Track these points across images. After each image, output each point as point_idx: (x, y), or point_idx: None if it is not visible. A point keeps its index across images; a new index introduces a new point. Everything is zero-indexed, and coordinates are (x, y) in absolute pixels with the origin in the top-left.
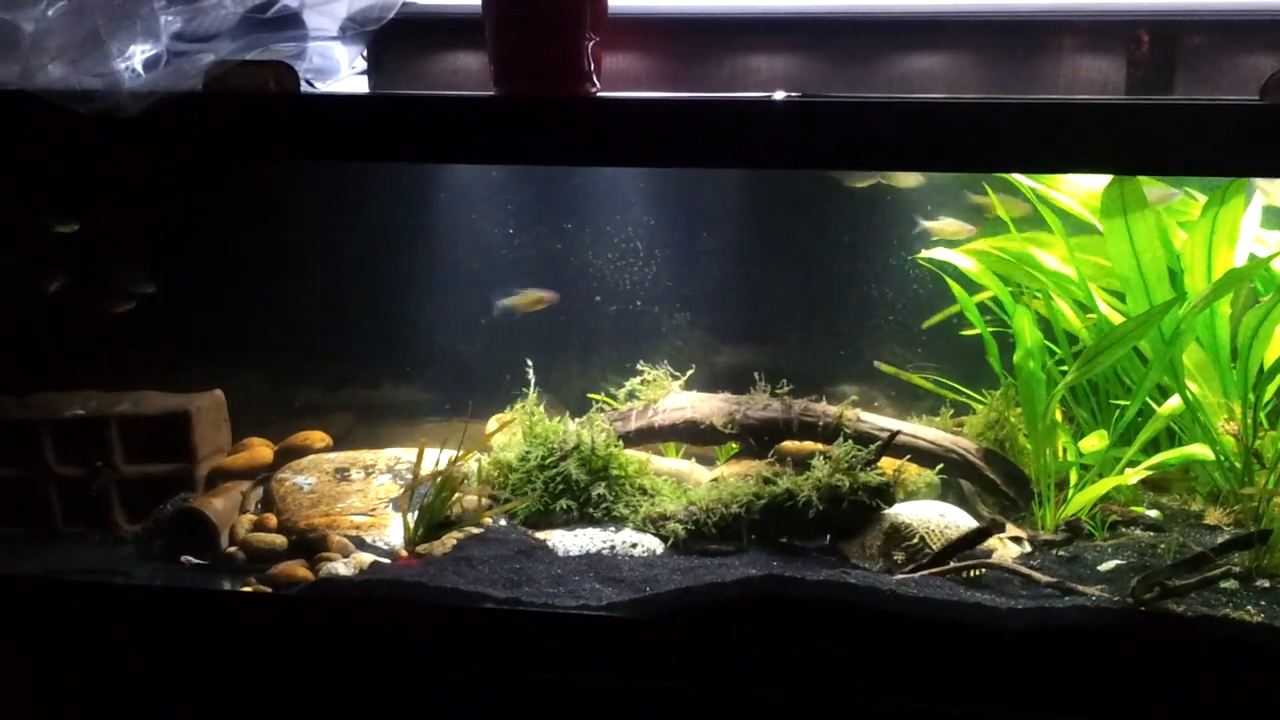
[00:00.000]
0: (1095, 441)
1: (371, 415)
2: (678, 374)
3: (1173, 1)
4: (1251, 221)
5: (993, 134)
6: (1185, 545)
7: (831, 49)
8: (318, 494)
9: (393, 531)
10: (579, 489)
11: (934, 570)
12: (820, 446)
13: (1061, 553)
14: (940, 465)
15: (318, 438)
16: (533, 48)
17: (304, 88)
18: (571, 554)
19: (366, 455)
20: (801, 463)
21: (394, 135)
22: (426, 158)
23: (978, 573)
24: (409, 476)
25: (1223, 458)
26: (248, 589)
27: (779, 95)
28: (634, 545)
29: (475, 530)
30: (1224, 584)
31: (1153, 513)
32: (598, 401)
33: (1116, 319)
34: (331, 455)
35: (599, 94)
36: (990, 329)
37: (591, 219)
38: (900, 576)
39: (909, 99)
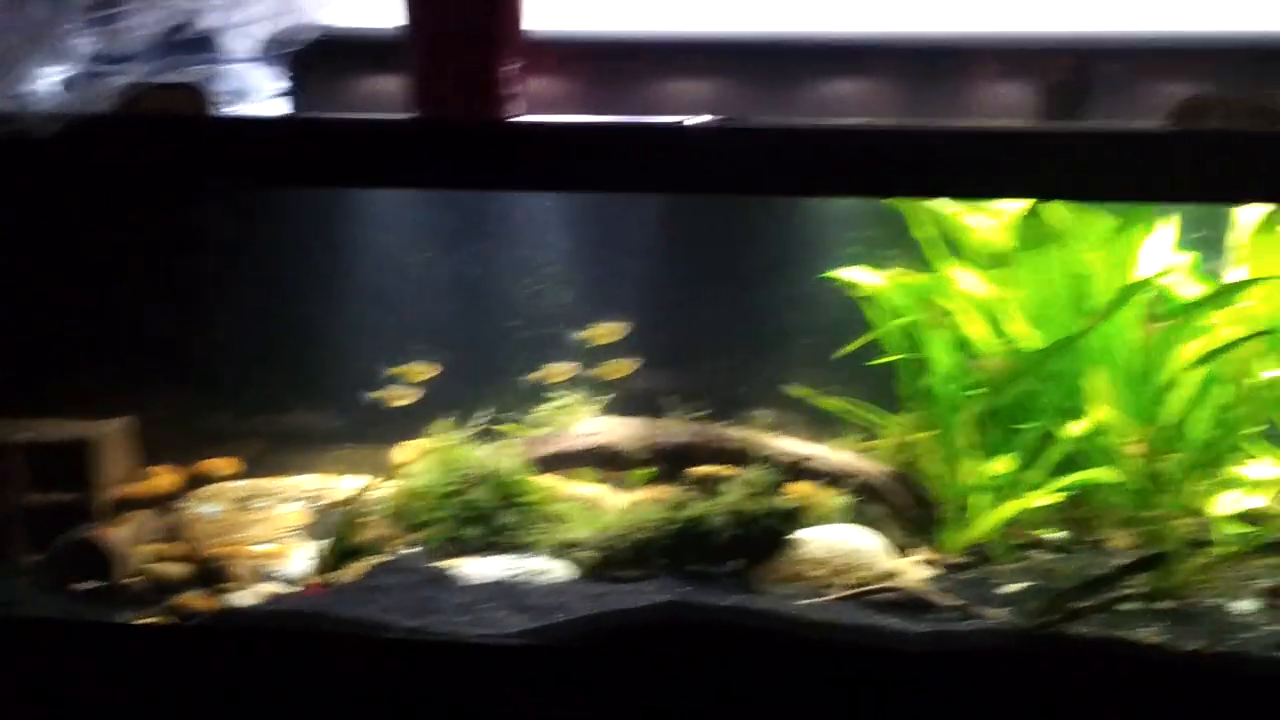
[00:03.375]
0: (1003, 464)
1: (282, 442)
2: (593, 399)
3: (1087, 29)
4: (1162, 247)
5: (910, 160)
6: (1088, 568)
7: (751, 74)
8: (224, 522)
9: (300, 560)
10: (489, 516)
11: (842, 595)
12: (733, 471)
13: (967, 576)
14: (850, 489)
15: (226, 465)
16: (452, 71)
17: (223, 110)
18: (481, 581)
19: (275, 483)
20: (713, 488)
21: (309, 159)
22: (342, 182)
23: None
24: (318, 504)
25: (1127, 480)
26: (148, 620)
27: (694, 120)
28: (544, 572)
29: (384, 558)
30: (1126, 606)
31: (1057, 535)
32: (508, 429)
33: (1030, 342)
34: (239, 483)
35: (518, 118)
36: (903, 354)
37: (509, 242)
38: (808, 601)
39: (827, 125)
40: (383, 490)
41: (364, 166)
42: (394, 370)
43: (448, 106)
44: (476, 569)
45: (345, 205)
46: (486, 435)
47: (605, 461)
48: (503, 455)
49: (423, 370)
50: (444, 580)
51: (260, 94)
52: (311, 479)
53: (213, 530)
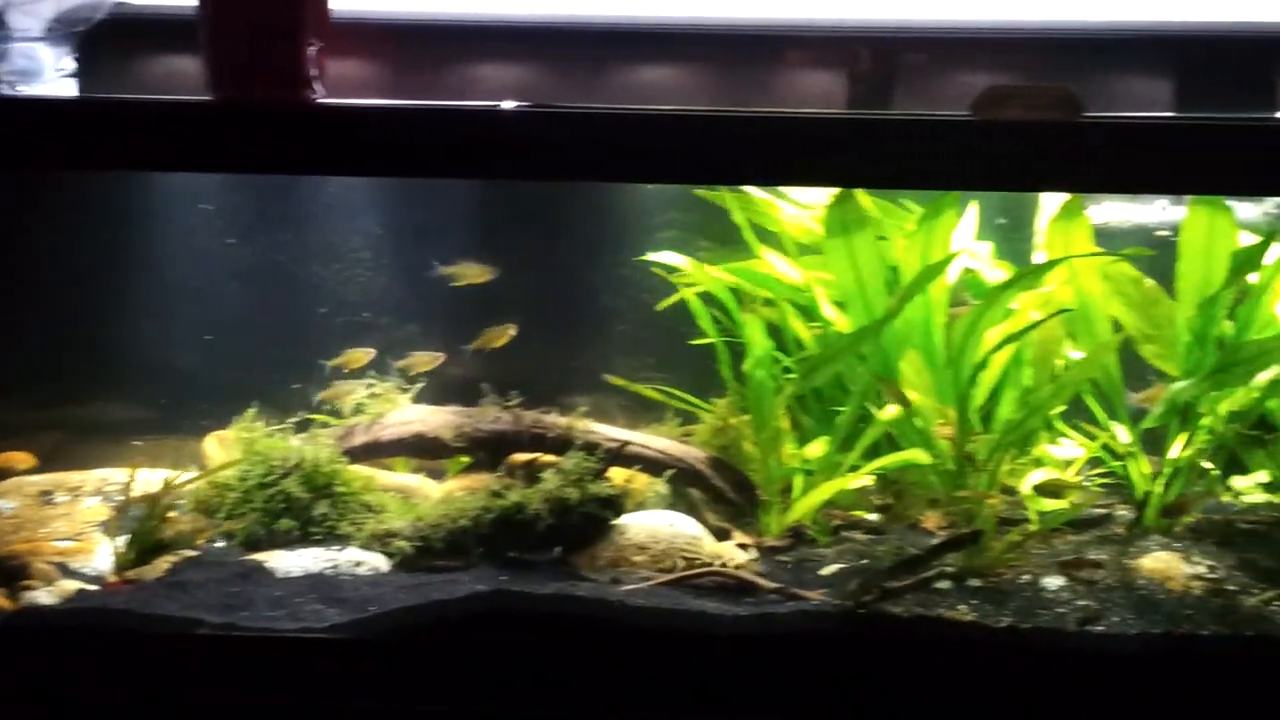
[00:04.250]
0: (819, 448)
1: (81, 434)
2: (407, 386)
3: (891, 18)
4: (965, 233)
5: (719, 147)
6: (903, 548)
7: (562, 59)
8: (20, 518)
9: (101, 557)
10: (301, 508)
11: (662, 580)
12: (551, 458)
13: (786, 558)
14: (669, 474)
15: (21, 459)
16: (249, 52)
17: (7, 90)
18: (293, 575)
19: (74, 477)
20: (532, 475)
21: (98, 141)
22: (133, 165)
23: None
24: (120, 498)
25: (938, 461)
26: None
27: (507, 105)
28: (358, 564)
29: (190, 553)
30: (939, 584)
31: (873, 516)
32: (322, 417)
33: (843, 326)
34: (35, 477)
35: (320, 100)
36: (720, 337)
37: (316, 228)
38: (629, 587)
39: (638, 110)
40: (190, 482)
41: (156, 149)
42: (335, 362)
43: (244, 88)
44: (289, 562)
45: (148, 190)
46: (300, 425)
47: (420, 450)
48: (315, 445)
49: (361, 356)
50: (254, 575)
51: (48, 74)
52: (114, 472)
53: (9, 526)
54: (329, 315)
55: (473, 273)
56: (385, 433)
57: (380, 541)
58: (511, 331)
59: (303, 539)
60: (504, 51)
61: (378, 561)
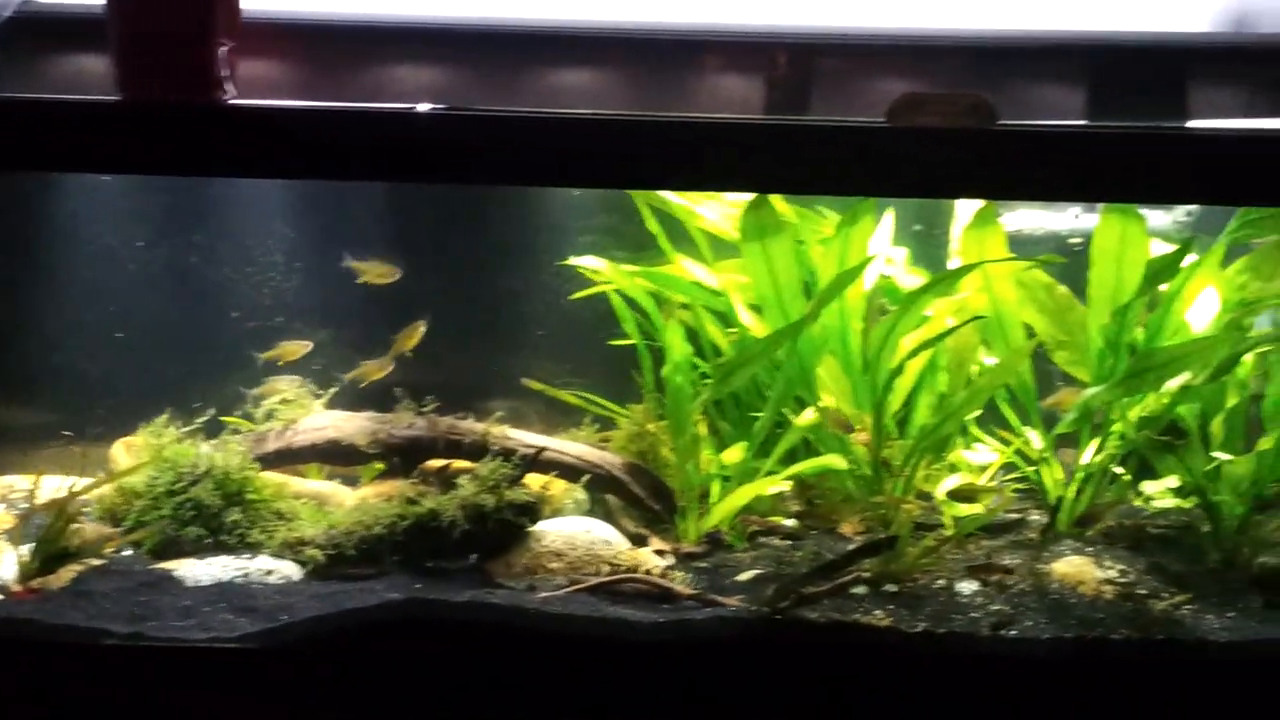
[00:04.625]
0: (736, 453)
1: None
2: (320, 392)
3: (808, 24)
4: (882, 239)
5: (636, 151)
6: (819, 553)
7: (478, 62)
8: None
9: (5, 565)
10: (211, 515)
11: (580, 587)
12: (467, 464)
13: (703, 564)
14: (586, 479)
15: None
16: (159, 52)
17: None
18: (202, 584)
19: None
20: (448, 481)
21: (4, 142)
22: (41, 166)
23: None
24: (24, 506)
25: (855, 466)
26: None
27: (423, 107)
28: (270, 572)
29: (96, 562)
30: (855, 590)
31: (790, 522)
32: (233, 422)
33: (760, 331)
34: None
35: (231, 101)
36: (641, 342)
37: (228, 230)
38: (545, 594)
39: (555, 114)
40: (96, 489)
41: (63, 150)
42: (268, 355)
43: (153, 89)
44: (198, 571)
45: (53, 190)
46: (212, 431)
47: (334, 456)
48: (226, 451)
49: (296, 349)
50: (163, 584)
51: None
52: (19, 479)
53: None
54: (241, 319)
55: (378, 271)
56: (298, 438)
57: (292, 549)
58: (421, 328)
59: (213, 547)
60: (421, 54)
61: (290, 569)
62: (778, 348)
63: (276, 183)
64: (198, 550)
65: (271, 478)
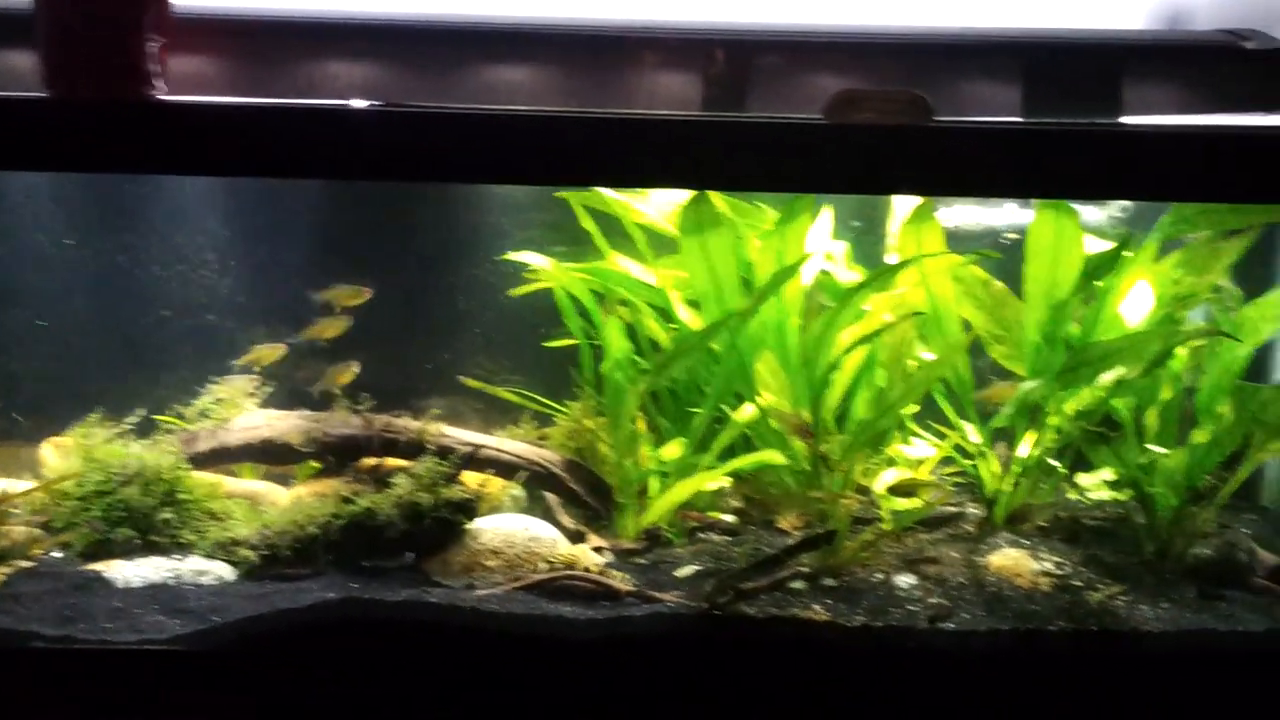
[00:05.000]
0: (675, 449)
1: None
2: (253, 390)
3: (745, 21)
4: (820, 235)
5: (573, 148)
6: (758, 549)
7: (415, 58)
8: None
9: None
10: (142, 516)
11: (518, 585)
12: (403, 463)
13: (642, 561)
14: (526, 477)
15: None
16: (87, 48)
17: None
18: (133, 585)
19: None
20: (383, 480)
21: None
22: None
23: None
24: None
25: (793, 462)
26: None
27: (357, 103)
28: (202, 573)
29: (24, 564)
30: (794, 584)
31: (729, 518)
32: (165, 421)
33: (699, 326)
34: None
35: (162, 98)
36: (575, 340)
37: (158, 228)
38: (483, 592)
39: (492, 111)
40: (25, 490)
41: None
42: (243, 360)
43: (82, 85)
44: (129, 572)
45: None
46: (145, 431)
47: (268, 456)
48: (158, 451)
49: (271, 353)
50: (93, 585)
51: None
52: None
53: None
54: (172, 317)
55: (347, 295)
56: (231, 438)
57: (225, 549)
58: (354, 369)
59: (144, 548)
60: (356, 50)
61: (222, 570)
62: (713, 338)
63: (208, 180)
64: (128, 551)
65: (204, 478)
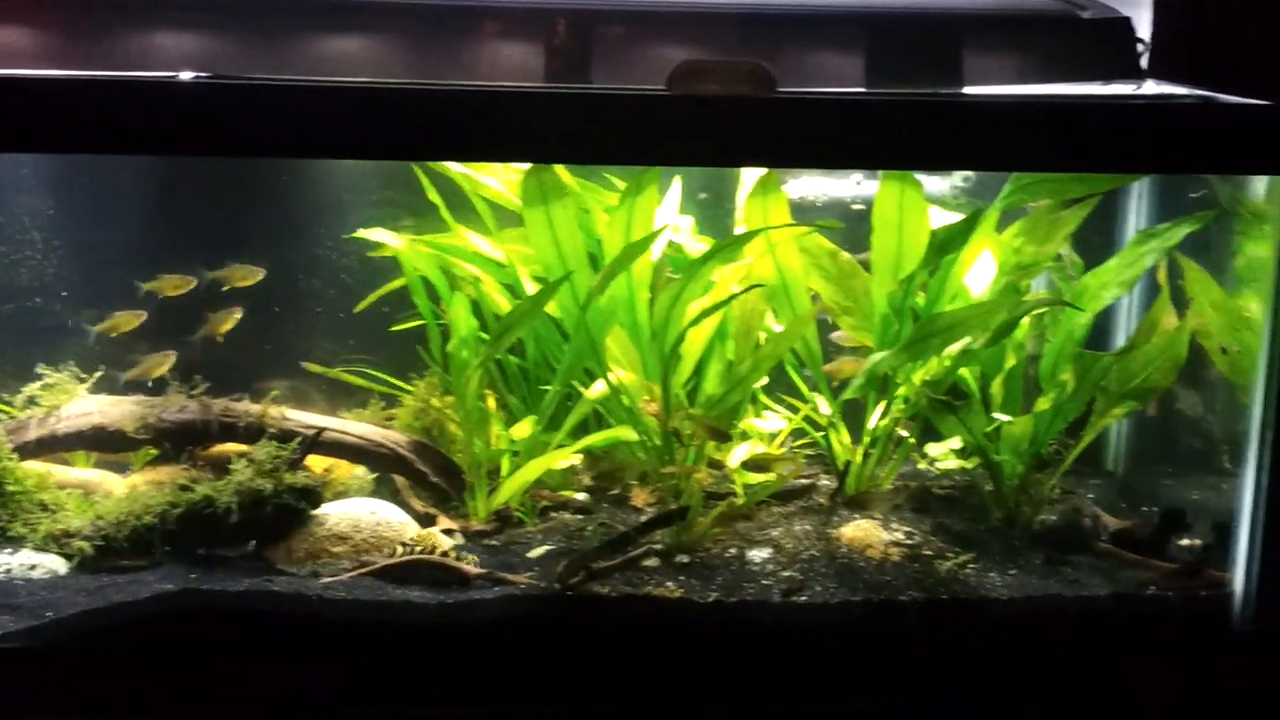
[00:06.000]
0: (525, 428)
1: None
2: (84, 376)
3: None
4: (669, 209)
5: (415, 121)
6: (611, 527)
7: (248, 30)
8: None
9: None
10: None
11: (364, 570)
12: (243, 448)
13: (493, 542)
14: (373, 460)
15: None
16: None
17: None
18: None
19: None
20: (223, 466)
21: None
22: None
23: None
24: None
25: (645, 438)
26: None
27: (186, 75)
28: (33, 567)
29: None
30: (647, 562)
31: (581, 496)
32: None
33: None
34: None
35: None
36: (419, 318)
37: None
38: (329, 579)
39: (329, 83)
40: None
41: None
42: (100, 327)
43: None
44: None
45: None
46: None
47: (101, 443)
48: None
49: (131, 320)
50: None
51: None
52: None
53: None
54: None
55: (241, 275)
56: (61, 425)
57: (57, 542)
58: (237, 314)
59: None
60: (186, 20)
61: (55, 564)
62: (547, 302)
63: (30, 156)
64: None
65: (33, 468)
